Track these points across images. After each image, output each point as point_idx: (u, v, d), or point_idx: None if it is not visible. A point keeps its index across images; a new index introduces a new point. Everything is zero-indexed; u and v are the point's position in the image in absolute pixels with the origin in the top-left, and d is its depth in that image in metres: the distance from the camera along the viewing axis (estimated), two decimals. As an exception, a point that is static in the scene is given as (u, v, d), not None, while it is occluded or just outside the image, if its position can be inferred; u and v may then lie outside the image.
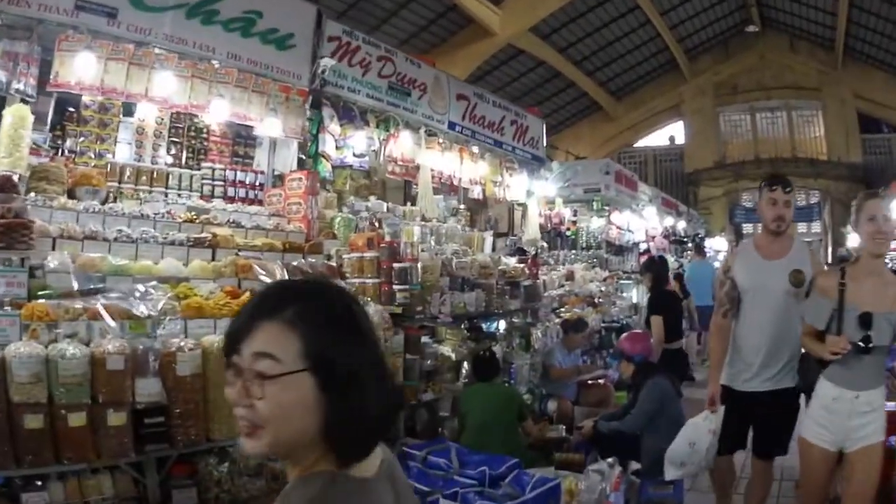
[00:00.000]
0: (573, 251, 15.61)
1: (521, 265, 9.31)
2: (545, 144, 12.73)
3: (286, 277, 6.22)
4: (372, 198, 9.43)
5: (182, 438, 4.73)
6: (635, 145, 37.53)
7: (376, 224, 7.81)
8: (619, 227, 16.46)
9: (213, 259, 6.24)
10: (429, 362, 7.08)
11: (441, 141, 9.89)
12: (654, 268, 9.90)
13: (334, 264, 7.30)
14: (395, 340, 6.55)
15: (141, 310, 4.91)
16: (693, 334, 13.99)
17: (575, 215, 15.77)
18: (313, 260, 7.04)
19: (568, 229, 15.81)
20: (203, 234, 6.37)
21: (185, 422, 4.75)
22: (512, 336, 8.78)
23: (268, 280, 5.99)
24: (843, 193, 31.27)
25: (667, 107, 35.62)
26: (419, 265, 7.08)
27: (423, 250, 7.78)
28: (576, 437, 7.27)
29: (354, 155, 8.70)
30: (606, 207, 15.91)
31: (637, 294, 14.87)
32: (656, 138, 38.06)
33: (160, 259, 5.87)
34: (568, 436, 7.53)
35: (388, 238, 7.28)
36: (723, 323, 5.25)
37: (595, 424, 6.81)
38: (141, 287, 5.26)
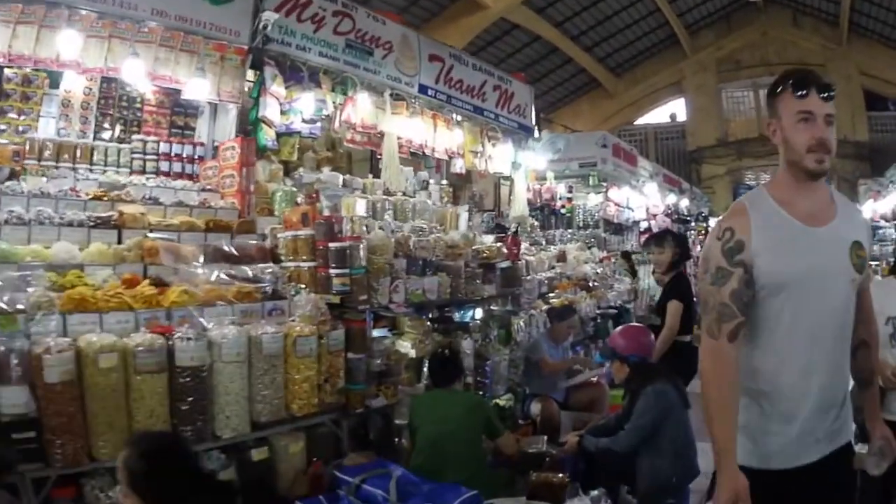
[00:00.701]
0: (569, 230, 14.37)
1: (498, 244, 7.90)
2: (535, 113, 11.48)
3: (200, 261, 5.48)
4: (325, 169, 8.19)
5: (59, 457, 3.96)
6: (635, 123, 36.44)
7: (315, 196, 6.46)
8: (617, 205, 15.12)
9: (120, 241, 5.42)
10: (378, 361, 5.74)
11: (410, 106, 8.61)
12: (676, 240, 7.91)
13: (268, 245, 6.11)
14: (334, 336, 5.30)
15: (5, 302, 4.10)
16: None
17: (570, 192, 14.52)
18: (245, 241, 5.99)
19: (563, 207, 14.58)
20: (108, 213, 5.55)
21: (61, 437, 3.97)
22: (489, 327, 7.43)
23: (181, 266, 5.23)
24: (850, 172, 30.60)
25: (667, 83, 34.66)
26: (363, 245, 5.76)
27: (380, 228, 6.68)
28: (559, 453, 5.95)
29: (303, 121, 7.47)
30: (604, 183, 14.65)
31: (643, 275, 13.82)
32: (657, 115, 36.98)
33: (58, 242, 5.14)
34: (550, 450, 6.14)
35: (326, 212, 6.03)
36: (728, 351, 2.83)
37: (580, 441, 5.53)
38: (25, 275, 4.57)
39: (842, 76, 31.31)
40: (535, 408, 7.42)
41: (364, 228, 6.31)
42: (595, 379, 8.17)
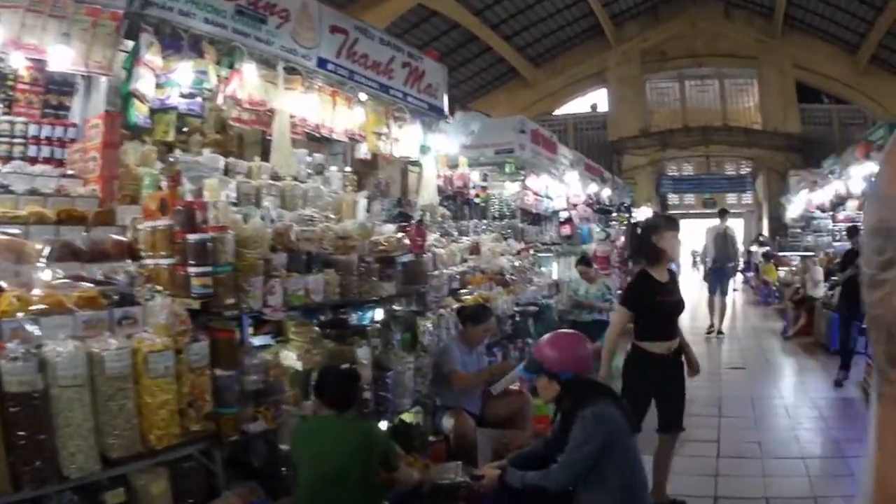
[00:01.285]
0: (484, 221, 13.56)
1: (400, 235, 6.84)
2: (446, 94, 10.60)
3: (43, 259, 4.48)
4: (206, 150, 7.19)
5: None
6: (555, 113, 36.09)
7: (177, 179, 5.40)
8: (536, 194, 14.31)
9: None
10: (254, 378, 4.72)
11: (306, 81, 7.65)
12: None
13: (126, 238, 5.06)
14: (195, 350, 4.33)
15: None
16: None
17: (485, 180, 13.69)
18: (102, 234, 4.98)
19: (477, 195, 13.73)
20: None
21: None
22: (391, 331, 6.40)
23: (23, 267, 4.33)
24: (780, 164, 31.62)
25: (589, 74, 34.74)
26: (230, 237, 4.75)
27: (262, 217, 5.77)
28: (477, 487, 4.83)
29: (182, 95, 6.40)
30: (521, 171, 13.84)
31: (558, 269, 13.08)
32: (577, 106, 36.90)
33: None
34: (466, 479, 5.15)
35: (189, 198, 4.98)
36: None
37: (502, 475, 4.47)
38: None
39: (775, 69, 31.93)
40: (448, 423, 6.47)
41: (240, 217, 5.31)
42: (517, 386, 7.18)
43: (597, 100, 36.38)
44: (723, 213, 16.12)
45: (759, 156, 32.43)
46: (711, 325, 15.53)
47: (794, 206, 25.73)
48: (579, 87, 35.30)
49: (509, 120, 14.56)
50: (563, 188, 15.82)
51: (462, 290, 8.25)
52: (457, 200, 13.61)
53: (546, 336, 4.84)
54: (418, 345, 6.68)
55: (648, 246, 5.80)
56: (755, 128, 33.10)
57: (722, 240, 15.43)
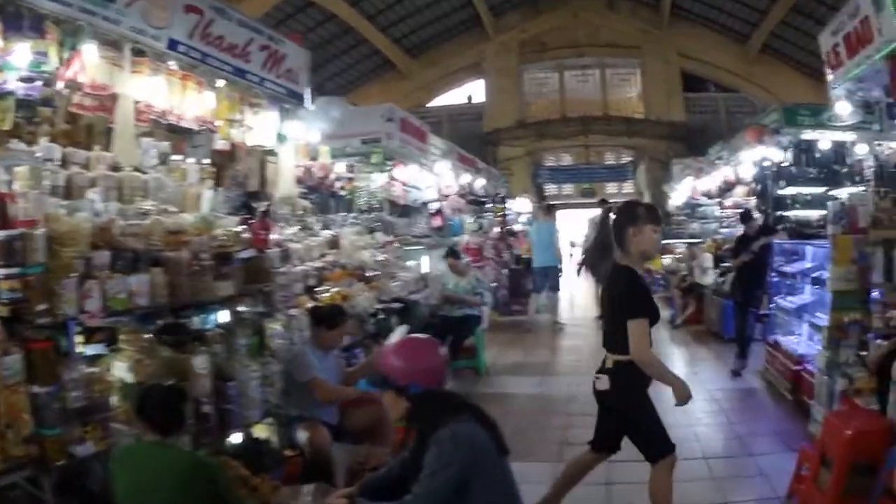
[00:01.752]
0: (351, 214, 13.14)
1: (239, 228, 6.32)
2: (308, 80, 10.14)
3: None
4: (43, 139, 6.58)
5: None
6: (430, 105, 35.60)
7: None
8: (404, 185, 13.92)
9: None
10: (77, 394, 4.20)
11: (154, 64, 7.09)
12: None
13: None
14: (7, 364, 3.85)
15: None
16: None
17: (352, 171, 13.27)
18: None
19: (343, 188, 13.30)
20: None
21: None
22: (235, 335, 5.81)
23: None
24: (663, 152, 31.80)
25: (466, 65, 34.45)
26: (40, 232, 4.22)
27: (98, 212, 5.29)
28: None
29: (20, 79, 5.81)
30: (389, 162, 13.47)
31: (429, 263, 12.79)
32: (453, 98, 36.52)
33: None
34: None
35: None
36: None
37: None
38: None
39: (659, 59, 32.48)
40: (303, 435, 5.90)
41: (64, 211, 4.78)
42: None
43: (473, 91, 36.08)
44: (602, 203, 15.86)
45: (641, 145, 32.75)
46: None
47: (678, 194, 25.91)
48: (455, 78, 34.99)
49: (377, 108, 14.10)
50: (434, 179, 15.53)
51: (319, 288, 7.79)
52: (322, 193, 13.18)
53: (391, 342, 4.25)
54: (266, 350, 6.08)
55: (622, 238, 4.81)
56: (637, 117, 33.32)
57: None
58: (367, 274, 8.95)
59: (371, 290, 8.56)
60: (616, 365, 4.77)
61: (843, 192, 13.78)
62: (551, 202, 18.12)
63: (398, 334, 4.98)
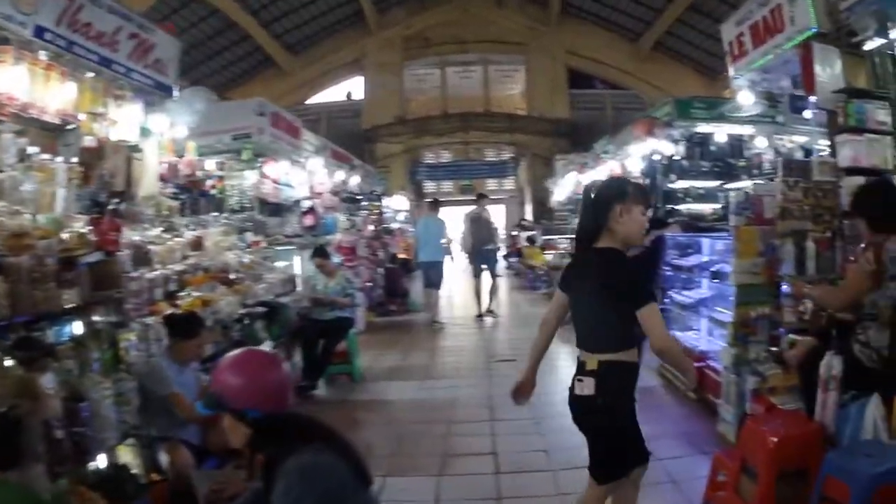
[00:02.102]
0: (224, 214, 12.56)
1: (84, 230, 5.71)
2: (178, 72, 9.58)
3: None
4: None
5: None
6: (309, 102, 35.11)
7: None
8: (275, 182, 13.38)
9: None
10: None
11: (17, 52, 6.48)
12: None
13: None
14: None
15: None
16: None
17: (222, 169, 12.69)
18: None
19: (214, 187, 12.71)
20: None
21: None
22: (87, 349, 5.25)
23: None
24: (546, 149, 31.93)
25: (347, 61, 34.36)
26: None
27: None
28: None
29: None
30: (260, 159, 12.92)
31: (300, 263, 12.28)
32: (333, 94, 36.03)
33: None
34: None
35: None
36: None
37: None
38: None
39: (545, 55, 32.81)
40: (165, 458, 5.37)
41: None
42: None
43: (353, 88, 35.67)
44: (480, 198, 15.93)
45: (523, 141, 32.98)
46: (480, 311, 15.44)
47: (561, 190, 25.76)
48: (336, 75, 34.73)
49: (248, 102, 13.48)
50: (307, 176, 15.03)
51: (181, 293, 7.27)
52: (193, 192, 12.59)
53: (226, 358, 3.57)
54: (121, 364, 5.51)
55: (606, 217, 4.16)
56: (520, 113, 33.62)
57: (478, 223, 15.27)
58: (231, 277, 8.40)
59: (235, 293, 8.02)
60: (602, 366, 4.14)
61: (739, 186, 13.93)
62: (436, 198, 17.65)
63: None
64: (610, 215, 4.11)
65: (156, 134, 8.89)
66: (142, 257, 7.34)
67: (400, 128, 33.22)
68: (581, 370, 4.21)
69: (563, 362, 10.75)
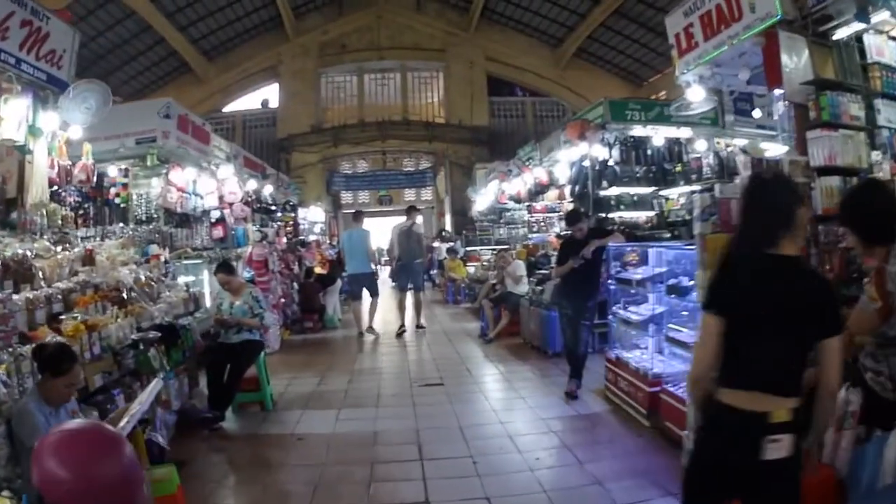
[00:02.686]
0: (129, 226, 11.59)
1: None
2: (74, 65, 8.64)
3: None
4: None
5: None
6: (224, 110, 34.02)
7: None
8: (181, 190, 12.36)
9: None
10: None
11: None
12: None
13: None
14: None
15: None
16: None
17: (126, 176, 11.72)
18: None
19: (118, 195, 11.74)
20: None
21: None
22: None
23: None
24: (465, 157, 31.76)
25: (263, 68, 33.31)
26: None
27: None
28: None
29: None
30: (165, 164, 11.94)
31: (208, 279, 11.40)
32: (248, 102, 35.04)
33: None
34: None
35: None
36: None
37: None
38: None
39: (464, 62, 32.33)
40: None
41: None
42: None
43: (269, 95, 34.63)
44: (411, 210, 15.23)
45: (441, 150, 32.36)
46: (402, 326, 14.93)
47: (483, 199, 25.12)
48: (251, 81, 33.70)
49: (153, 102, 12.52)
50: (216, 185, 14.09)
51: (63, 316, 6.26)
52: (96, 201, 11.62)
53: (52, 436, 2.74)
54: None
55: (792, 222, 3.19)
56: (438, 121, 32.99)
57: (407, 237, 14.68)
58: (124, 296, 7.36)
59: (127, 314, 6.98)
60: (794, 415, 3.08)
61: (675, 192, 13.39)
62: (359, 209, 16.99)
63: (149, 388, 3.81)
64: (795, 220, 3.20)
65: (46, 134, 8.01)
66: (24, 274, 6.45)
67: (316, 136, 32.23)
68: (762, 424, 3.06)
69: (490, 382, 10.19)
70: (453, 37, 32.21)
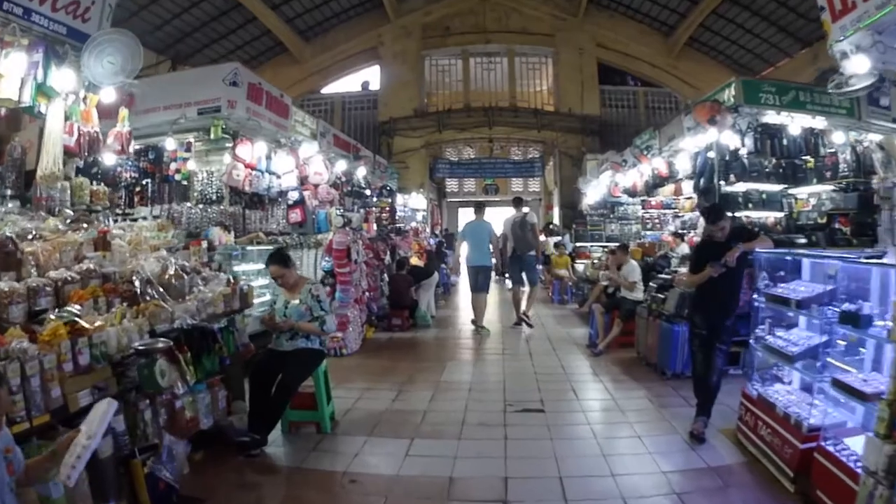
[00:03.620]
0: (188, 204, 10.34)
1: None
2: (108, 18, 7.28)
3: None
4: None
5: None
6: (323, 91, 33.21)
7: None
8: (250, 167, 10.90)
9: None
10: None
11: None
12: None
13: None
14: None
15: None
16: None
17: (188, 150, 10.41)
18: None
19: (178, 171, 10.46)
20: None
21: None
22: None
23: None
24: (575, 147, 30.20)
25: (363, 49, 32.26)
26: None
27: None
28: None
29: None
30: (228, 136, 10.55)
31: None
32: (348, 84, 34.18)
33: None
34: None
35: None
36: None
37: None
38: None
39: (573, 48, 30.97)
40: None
41: None
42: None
43: (370, 77, 33.70)
44: (517, 202, 14.33)
45: (551, 139, 30.92)
46: (519, 319, 14.40)
47: (594, 191, 23.35)
48: (350, 63, 32.79)
49: (218, 68, 11.03)
50: (296, 163, 12.72)
51: (53, 314, 4.78)
52: (155, 178, 10.43)
53: None
54: None
55: None
56: (547, 109, 31.62)
57: (521, 227, 13.76)
58: (138, 291, 5.70)
59: (139, 316, 5.37)
60: None
61: (804, 191, 11.90)
62: (479, 201, 15.71)
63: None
64: None
65: (64, 95, 6.67)
66: (5, 260, 5.05)
67: (419, 121, 31.08)
68: None
69: (599, 410, 8.24)
70: (561, 21, 30.77)
